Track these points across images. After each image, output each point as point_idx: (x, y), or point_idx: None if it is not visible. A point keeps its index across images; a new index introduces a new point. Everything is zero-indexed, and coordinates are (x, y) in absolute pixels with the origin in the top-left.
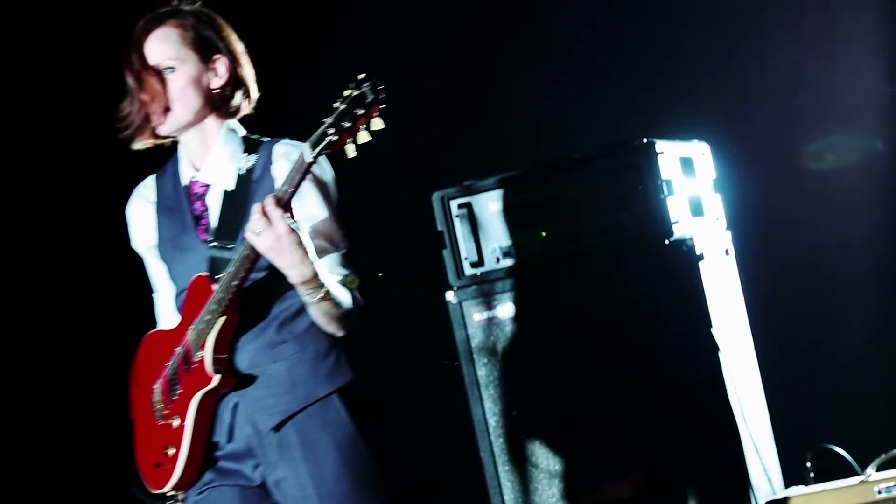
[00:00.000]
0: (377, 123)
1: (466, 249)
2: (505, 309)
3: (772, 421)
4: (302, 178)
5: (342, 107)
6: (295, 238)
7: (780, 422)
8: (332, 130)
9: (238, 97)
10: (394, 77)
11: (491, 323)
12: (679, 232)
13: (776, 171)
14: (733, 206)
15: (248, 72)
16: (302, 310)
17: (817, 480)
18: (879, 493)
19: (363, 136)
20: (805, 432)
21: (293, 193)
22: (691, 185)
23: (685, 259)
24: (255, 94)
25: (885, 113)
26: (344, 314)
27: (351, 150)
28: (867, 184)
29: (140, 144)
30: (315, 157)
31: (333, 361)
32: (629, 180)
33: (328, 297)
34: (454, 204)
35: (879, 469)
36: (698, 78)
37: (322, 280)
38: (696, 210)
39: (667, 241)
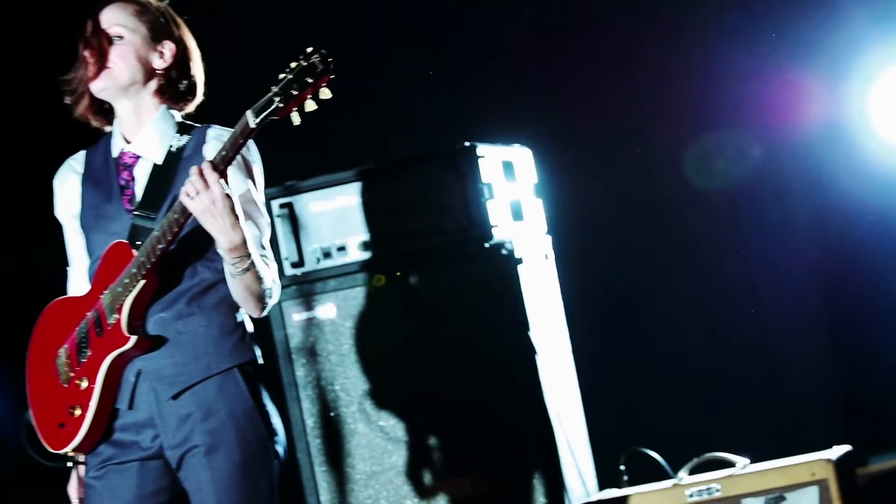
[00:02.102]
0: (325, 93)
1: (287, 249)
2: (324, 310)
3: (588, 424)
4: (242, 144)
5: (290, 76)
6: (229, 203)
7: (596, 425)
8: (278, 98)
9: (181, 88)
10: (217, 77)
11: (310, 323)
12: (499, 235)
13: (596, 177)
14: (553, 211)
15: (196, 70)
16: (212, 286)
17: (631, 483)
18: (691, 496)
19: (311, 105)
20: (620, 435)
21: (231, 159)
22: (512, 190)
23: (504, 262)
24: (200, 93)
25: (706, 123)
26: (263, 293)
27: (296, 119)
28: (686, 188)
29: (81, 109)
30: (259, 123)
31: (238, 338)
32: (450, 183)
33: (253, 268)
34: (275, 204)
35: (692, 473)
36: (522, 83)
37: (249, 250)
38: (517, 214)
39: (486, 245)
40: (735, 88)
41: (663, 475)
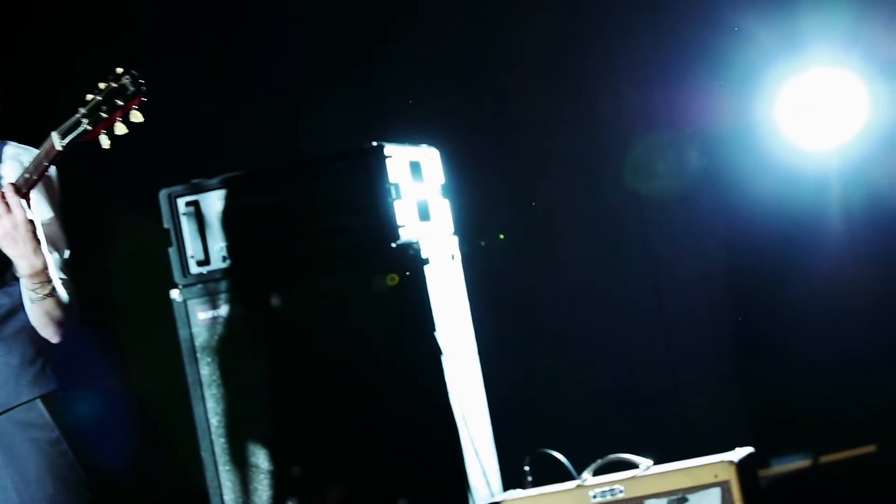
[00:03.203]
0: (136, 116)
1: (193, 248)
2: (230, 308)
3: (493, 425)
4: (47, 168)
5: (98, 97)
6: (31, 228)
7: (502, 426)
8: (86, 120)
9: None
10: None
11: (215, 322)
12: (406, 236)
13: (504, 178)
14: (461, 212)
15: None
16: (11, 313)
17: (536, 485)
18: (595, 497)
19: (120, 129)
20: (525, 437)
21: (36, 182)
22: (419, 190)
23: (410, 263)
24: None
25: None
26: (63, 318)
27: (105, 142)
28: (592, 189)
29: None
30: (65, 146)
31: (39, 368)
32: (358, 184)
33: (54, 293)
34: (181, 202)
35: (595, 474)
36: (430, 83)
37: (51, 276)
38: (424, 214)
39: (393, 245)
40: (644, 92)
41: (567, 476)
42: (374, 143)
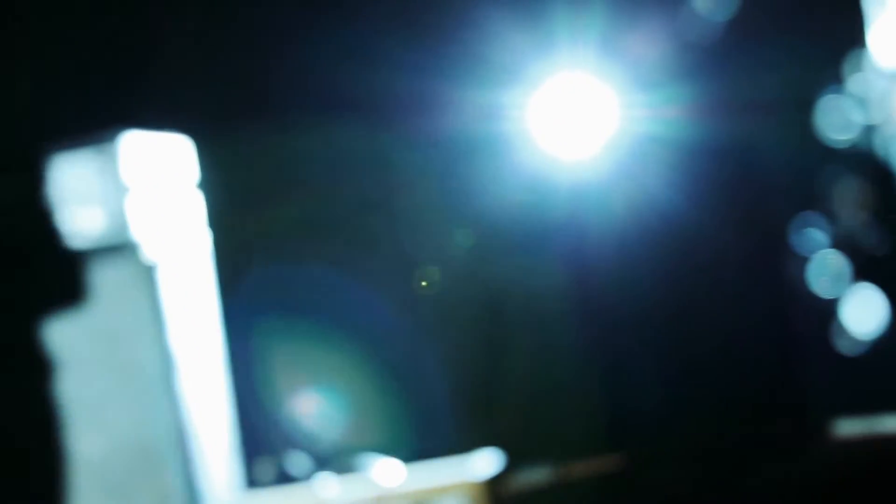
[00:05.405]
0: None
1: None
2: None
3: (241, 429)
4: None
5: None
6: None
7: (248, 430)
8: None
9: None
10: None
11: None
12: (140, 235)
13: (265, 171)
14: (214, 207)
15: None
16: None
17: (273, 489)
18: (331, 500)
19: None
20: (268, 440)
21: None
22: (162, 184)
23: (143, 264)
24: None
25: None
26: None
27: None
28: (349, 193)
29: None
30: None
31: None
32: (88, 177)
33: None
34: None
35: (333, 477)
36: (182, 63)
37: None
38: (165, 211)
39: (125, 245)
40: (389, 91)
41: (306, 479)
42: (110, 131)
